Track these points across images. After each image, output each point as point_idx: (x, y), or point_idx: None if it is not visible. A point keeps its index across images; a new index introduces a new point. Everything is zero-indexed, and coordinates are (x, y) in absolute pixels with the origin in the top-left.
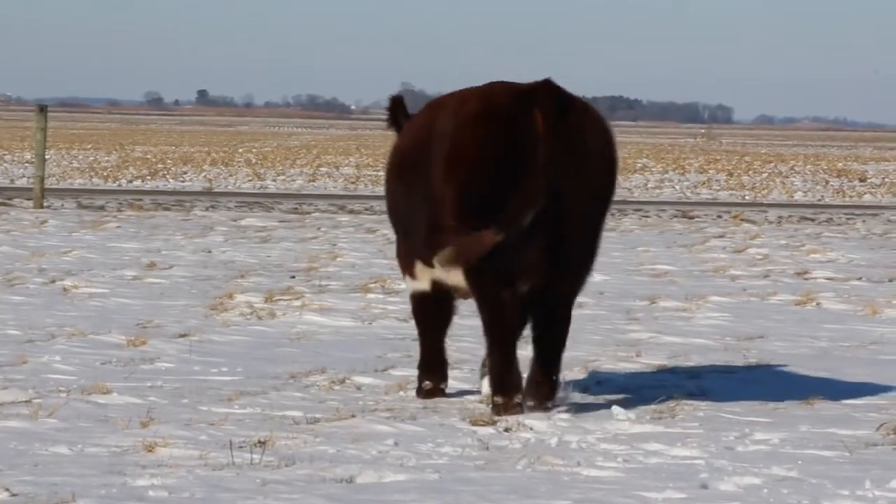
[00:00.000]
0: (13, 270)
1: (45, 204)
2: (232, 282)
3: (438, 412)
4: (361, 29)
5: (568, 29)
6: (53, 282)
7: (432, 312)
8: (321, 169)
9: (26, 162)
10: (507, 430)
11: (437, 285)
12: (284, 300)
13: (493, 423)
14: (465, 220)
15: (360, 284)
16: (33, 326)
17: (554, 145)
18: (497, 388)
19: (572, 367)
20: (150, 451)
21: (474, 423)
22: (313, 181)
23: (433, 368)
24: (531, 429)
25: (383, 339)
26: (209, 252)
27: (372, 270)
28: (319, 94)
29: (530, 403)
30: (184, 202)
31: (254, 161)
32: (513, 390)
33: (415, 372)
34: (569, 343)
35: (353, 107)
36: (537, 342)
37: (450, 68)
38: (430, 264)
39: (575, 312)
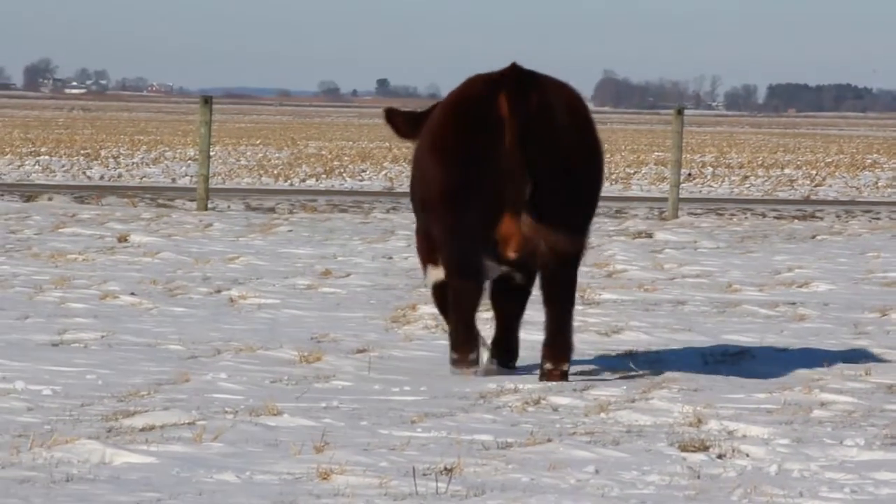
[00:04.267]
0: (175, 279)
1: (209, 205)
2: (415, 291)
3: (644, 436)
4: (556, 12)
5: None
6: (219, 291)
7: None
8: None
9: (189, 159)
10: (720, 456)
11: None
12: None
13: (705, 448)
14: (449, 200)
15: None
16: (197, 341)
17: (518, 123)
18: (454, 347)
19: (793, 386)
20: (324, 478)
21: (683, 449)
22: None
23: (467, 343)
24: (747, 455)
25: (583, 355)
26: (390, 258)
27: None
28: None
29: (548, 366)
30: (362, 203)
31: None
32: (469, 350)
33: (617, 391)
34: (790, 359)
35: None
36: (547, 306)
37: (656, 54)
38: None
39: (796, 325)
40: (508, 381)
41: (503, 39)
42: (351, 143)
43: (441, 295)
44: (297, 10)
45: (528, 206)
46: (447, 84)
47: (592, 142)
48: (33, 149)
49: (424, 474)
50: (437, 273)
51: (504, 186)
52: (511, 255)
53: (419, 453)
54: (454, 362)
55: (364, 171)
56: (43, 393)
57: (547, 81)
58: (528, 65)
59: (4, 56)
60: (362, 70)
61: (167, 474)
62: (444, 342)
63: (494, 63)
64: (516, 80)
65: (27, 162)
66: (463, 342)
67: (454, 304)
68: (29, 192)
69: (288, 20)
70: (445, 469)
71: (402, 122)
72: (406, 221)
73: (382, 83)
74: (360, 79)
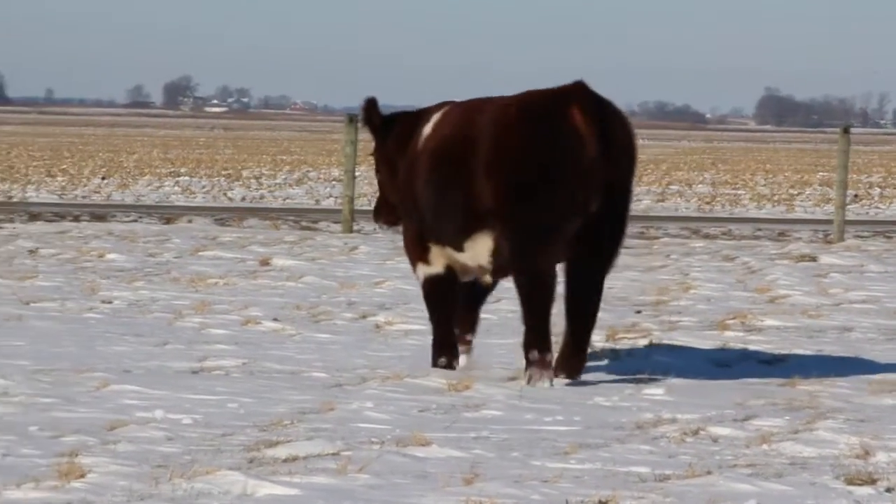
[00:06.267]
0: (319, 304)
1: (354, 228)
2: None
3: (808, 468)
4: (717, 26)
5: None
6: (364, 317)
7: (445, 294)
8: (671, 187)
9: (334, 180)
10: (888, 490)
11: (449, 268)
12: (629, 338)
13: (873, 481)
14: (513, 212)
15: (716, 321)
16: (342, 368)
17: (597, 140)
18: (533, 344)
19: None
20: None
21: (850, 482)
22: (662, 201)
23: (449, 347)
24: None
25: (744, 385)
26: None
27: (730, 304)
28: (669, 101)
29: (562, 375)
30: None
31: None
32: (549, 349)
33: (780, 422)
34: None
35: (708, 115)
36: (578, 311)
37: (823, 69)
38: (457, 248)
39: None
40: (666, 412)
41: (654, 53)
42: None
43: (430, 290)
44: (453, 20)
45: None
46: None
47: (636, 162)
48: (173, 169)
49: None
50: (427, 269)
51: (578, 193)
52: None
53: (573, 485)
54: (536, 364)
55: None
56: (183, 422)
57: (607, 102)
58: (693, 80)
59: (144, 74)
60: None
61: None
62: (600, 371)
63: (659, 81)
64: (589, 97)
65: (167, 183)
66: (546, 339)
67: (543, 305)
68: (168, 215)
69: (436, 36)
70: (600, 502)
71: (376, 118)
72: None
73: None
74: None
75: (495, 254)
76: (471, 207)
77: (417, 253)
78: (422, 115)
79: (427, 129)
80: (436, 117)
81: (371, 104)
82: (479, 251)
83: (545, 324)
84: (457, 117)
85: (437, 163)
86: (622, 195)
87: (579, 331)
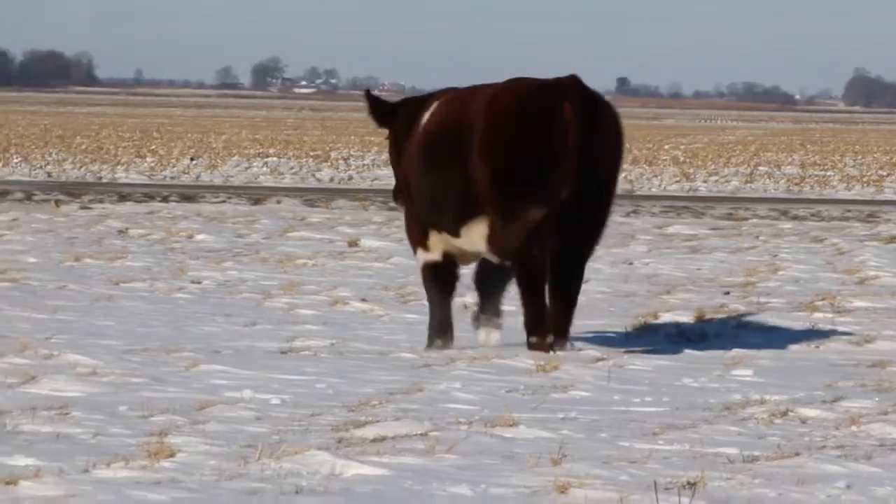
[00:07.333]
0: (407, 284)
1: None
2: (656, 298)
3: None
4: (806, 7)
5: None
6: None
7: (444, 278)
8: (760, 168)
9: None
10: None
11: (447, 254)
12: (717, 319)
13: None
14: (503, 198)
15: (804, 302)
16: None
17: (582, 132)
18: (535, 329)
19: None
20: (562, 492)
21: None
22: (750, 182)
23: (446, 330)
24: None
25: (833, 366)
26: (630, 264)
27: (819, 286)
28: (758, 82)
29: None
30: None
31: (682, 159)
32: (548, 331)
33: (869, 403)
34: None
35: (797, 96)
36: (558, 292)
37: None
38: (454, 234)
39: None
40: (754, 393)
41: (743, 34)
42: None
43: (427, 276)
44: (540, 7)
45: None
46: (689, 83)
47: (623, 152)
48: (261, 150)
49: (666, 488)
50: (426, 256)
51: (556, 182)
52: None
53: (661, 466)
54: (534, 346)
55: None
56: (271, 402)
57: (598, 96)
58: (782, 62)
59: (232, 55)
60: (601, 68)
61: (399, 487)
62: (689, 351)
63: (748, 62)
64: (579, 92)
65: (255, 164)
66: (547, 325)
67: (532, 287)
68: (257, 195)
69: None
70: (689, 483)
71: (376, 108)
72: (647, 226)
73: (623, 82)
74: (600, 77)
75: (491, 239)
76: (465, 194)
77: (417, 238)
78: (424, 101)
79: (425, 116)
80: (434, 105)
81: (367, 96)
82: (474, 237)
83: (539, 307)
84: (452, 105)
85: (432, 150)
86: (607, 184)
87: (560, 313)
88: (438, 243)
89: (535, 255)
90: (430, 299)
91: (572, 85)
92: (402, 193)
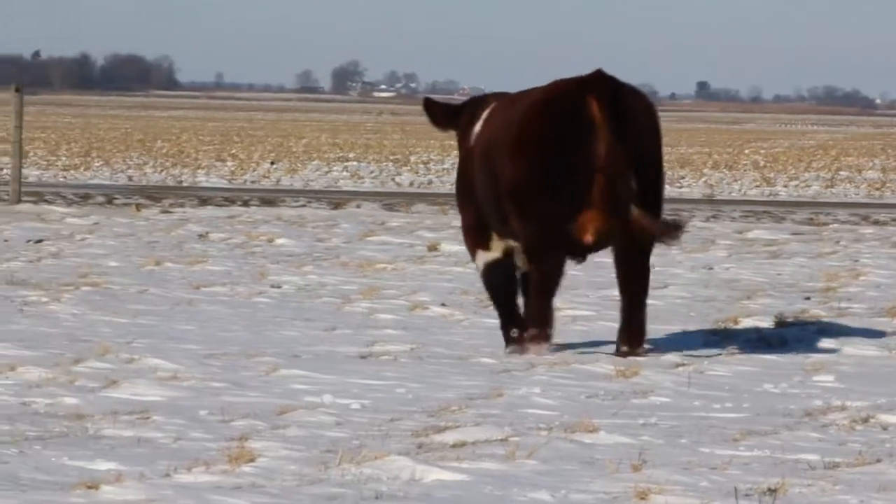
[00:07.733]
0: None
1: None
2: (736, 303)
3: None
4: (889, 10)
5: None
6: None
7: (506, 275)
8: (841, 173)
9: None
10: None
11: (506, 252)
12: (798, 324)
13: None
14: (529, 193)
15: (886, 307)
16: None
17: (611, 124)
18: (532, 321)
19: None
20: (642, 498)
21: None
22: (831, 187)
23: (516, 320)
24: None
25: None
26: (710, 269)
27: None
28: (838, 86)
29: (624, 349)
30: (681, 211)
31: (762, 164)
32: (542, 328)
33: None
34: None
35: (878, 100)
36: (624, 295)
37: None
38: (506, 235)
39: None
40: (835, 399)
41: (824, 37)
42: (669, 148)
43: (490, 275)
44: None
45: (634, 199)
46: (769, 87)
47: (660, 140)
48: (341, 154)
49: (747, 495)
50: (487, 256)
51: (593, 179)
52: (589, 239)
53: (742, 473)
54: (533, 338)
55: (683, 177)
56: (351, 407)
57: (626, 87)
58: (862, 65)
59: (313, 59)
60: (681, 72)
61: (479, 493)
62: (769, 356)
63: (828, 66)
64: (603, 84)
65: (335, 168)
66: (549, 320)
67: (542, 285)
68: (337, 200)
69: (586, 16)
70: (769, 490)
71: (439, 114)
72: (727, 230)
73: (703, 86)
74: (679, 81)
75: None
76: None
77: (475, 240)
78: (479, 104)
79: (479, 121)
80: (488, 110)
81: (426, 103)
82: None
83: (545, 305)
84: (499, 110)
85: (482, 156)
86: (651, 171)
87: (629, 307)
88: (499, 242)
89: (552, 255)
90: (495, 301)
91: (597, 79)
92: (463, 197)
